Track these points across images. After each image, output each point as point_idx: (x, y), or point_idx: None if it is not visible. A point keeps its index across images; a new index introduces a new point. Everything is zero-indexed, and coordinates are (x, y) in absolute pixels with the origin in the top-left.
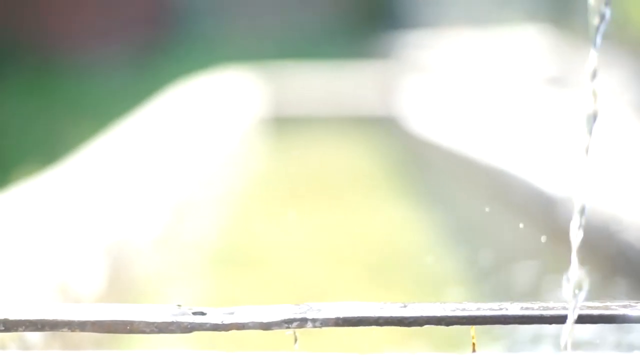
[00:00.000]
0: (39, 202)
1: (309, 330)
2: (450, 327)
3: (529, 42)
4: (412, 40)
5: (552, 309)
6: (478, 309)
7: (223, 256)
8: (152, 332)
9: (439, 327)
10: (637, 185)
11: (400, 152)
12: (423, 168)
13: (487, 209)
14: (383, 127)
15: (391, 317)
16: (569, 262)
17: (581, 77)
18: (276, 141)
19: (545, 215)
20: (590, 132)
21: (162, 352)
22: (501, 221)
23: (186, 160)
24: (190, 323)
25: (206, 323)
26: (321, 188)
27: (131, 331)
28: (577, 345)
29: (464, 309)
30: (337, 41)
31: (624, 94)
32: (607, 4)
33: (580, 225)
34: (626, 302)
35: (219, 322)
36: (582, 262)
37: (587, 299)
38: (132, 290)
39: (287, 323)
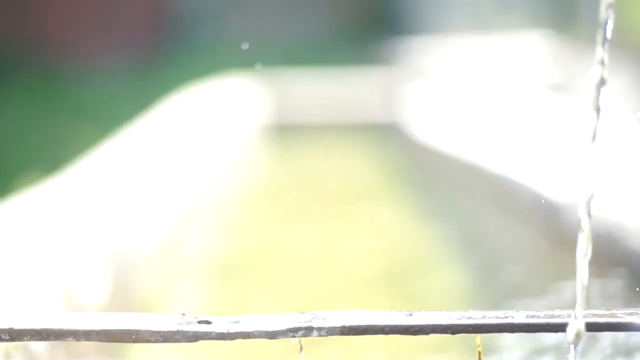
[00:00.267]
0: (42, 210)
1: (314, 339)
2: (456, 335)
3: (532, 48)
4: (416, 47)
5: (558, 317)
6: (484, 317)
7: (227, 264)
8: (157, 341)
9: (445, 335)
10: None
11: (403, 159)
12: (426, 175)
13: (493, 222)
14: (386, 134)
15: (397, 325)
16: (573, 269)
17: (584, 83)
18: (279, 148)
19: (549, 222)
20: (593, 138)
21: None
22: (505, 228)
23: (189, 168)
24: (195, 332)
25: (211, 332)
26: (325, 196)
27: (136, 340)
28: (584, 354)
29: (469, 318)
30: (340, 47)
31: (627, 100)
32: (609, 16)
33: (586, 233)
34: (632, 310)
35: (225, 331)
36: (587, 269)
37: (593, 306)
38: (137, 299)
39: (292, 332)
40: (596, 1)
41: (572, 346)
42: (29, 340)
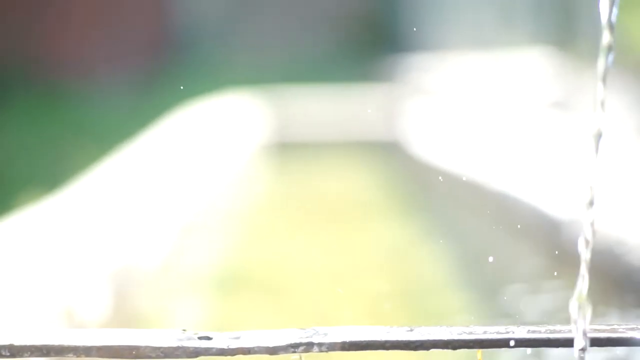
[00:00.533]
0: (44, 226)
1: (315, 355)
2: (457, 350)
3: (533, 65)
4: (416, 64)
5: (559, 332)
6: (485, 332)
7: (227, 280)
8: (157, 357)
9: (446, 350)
10: None
11: (404, 176)
12: (427, 192)
13: (494, 238)
14: (387, 151)
15: (398, 341)
16: (574, 284)
17: (585, 100)
18: (280, 165)
19: (550, 238)
20: (595, 155)
21: None
22: (507, 245)
23: (191, 185)
24: (196, 348)
25: (212, 348)
26: (325, 213)
27: (137, 356)
28: None
29: (470, 333)
30: (341, 65)
31: (629, 119)
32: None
33: (588, 248)
34: (633, 325)
35: (225, 347)
36: (588, 284)
37: (594, 321)
38: (137, 315)
39: (293, 347)
40: (597, 18)
41: None
42: (30, 356)
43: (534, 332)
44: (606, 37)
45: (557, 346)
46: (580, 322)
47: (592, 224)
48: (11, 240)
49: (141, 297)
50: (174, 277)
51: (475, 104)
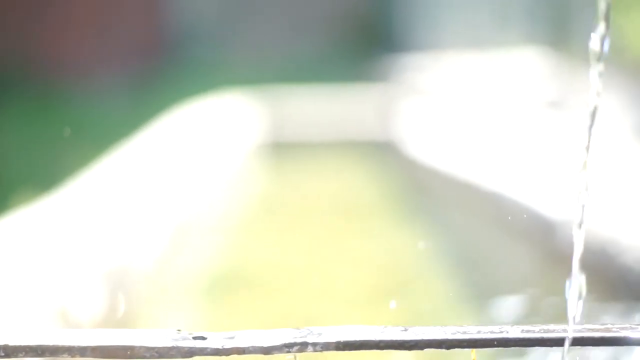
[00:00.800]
0: (39, 226)
1: (309, 354)
2: (451, 350)
3: (528, 64)
4: (411, 63)
5: (553, 331)
6: (479, 332)
7: (222, 280)
8: (152, 357)
9: (440, 350)
10: (635, 208)
11: (398, 177)
12: (422, 193)
13: (488, 239)
14: (381, 151)
15: (392, 340)
16: (567, 284)
17: (580, 99)
18: (274, 166)
19: (544, 239)
20: (587, 153)
21: None
22: (501, 245)
23: (185, 185)
24: (190, 348)
25: (207, 348)
26: (320, 213)
27: (131, 356)
28: None
29: (464, 332)
30: (335, 65)
31: (624, 118)
32: (605, 36)
33: (580, 248)
34: (626, 325)
35: (220, 347)
36: (581, 285)
37: (588, 321)
38: (132, 315)
39: (287, 347)
40: (592, 18)
41: None
42: (24, 356)
43: (527, 331)
44: (596, 44)
45: (551, 345)
46: (574, 322)
47: (584, 224)
48: (7, 240)
49: (136, 297)
50: (169, 277)
51: (470, 104)
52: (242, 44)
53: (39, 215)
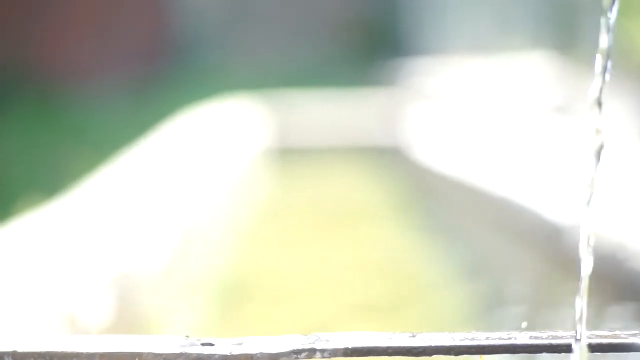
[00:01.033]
0: (45, 233)
1: None
2: (459, 356)
3: (534, 69)
4: (417, 68)
5: (561, 338)
6: (487, 338)
7: (229, 286)
8: None
9: (448, 356)
10: None
11: (405, 182)
12: (428, 198)
13: (496, 244)
14: (388, 157)
15: (400, 347)
16: (575, 290)
17: (587, 104)
18: (280, 171)
19: (552, 244)
20: (597, 161)
21: None
22: (508, 250)
23: (191, 191)
24: (198, 354)
25: (215, 354)
26: (326, 219)
27: None
28: None
29: (473, 339)
30: (341, 69)
31: (630, 122)
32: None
33: (588, 254)
34: (636, 331)
35: (228, 354)
36: (590, 290)
37: (597, 327)
38: (140, 321)
39: (295, 354)
40: (598, 22)
41: None
42: None
43: (536, 338)
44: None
45: (559, 352)
46: (582, 329)
47: (593, 229)
48: (12, 246)
49: (143, 303)
50: (176, 283)
51: (477, 109)
52: (248, 48)
53: (47, 221)
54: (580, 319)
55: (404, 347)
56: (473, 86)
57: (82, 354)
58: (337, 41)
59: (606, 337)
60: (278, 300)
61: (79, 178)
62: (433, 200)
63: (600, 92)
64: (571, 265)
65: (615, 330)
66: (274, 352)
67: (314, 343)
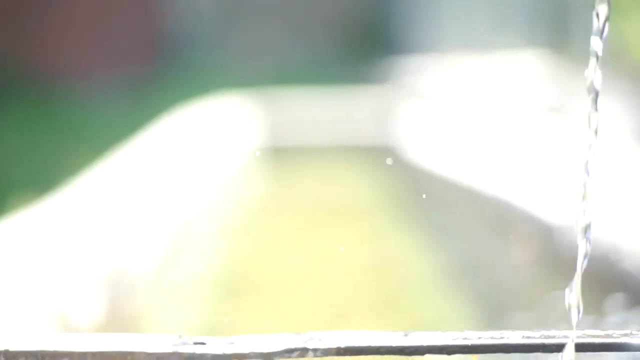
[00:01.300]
0: (37, 230)
1: None
2: (452, 356)
3: (528, 67)
4: (410, 66)
5: (554, 337)
6: (479, 337)
7: (221, 285)
8: None
9: (441, 356)
10: (636, 213)
11: (398, 181)
12: (421, 197)
13: (488, 244)
14: (380, 156)
15: (392, 346)
16: (568, 290)
17: (580, 103)
18: (272, 170)
19: (544, 243)
20: (588, 163)
21: None
22: (500, 250)
23: (184, 189)
24: (190, 354)
25: (207, 353)
26: (318, 219)
27: None
28: None
29: (465, 338)
30: (334, 67)
31: (623, 122)
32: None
33: (582, 253)
34: (627, 331)
35: (220, 353)
36: (582, 290)
37: (588, 327)
38: (132, 319)
39: (288, 353)
40: (591, 20)
41: None
42: None
43: (528, 337)
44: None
45: (552, 351)
46: (575, 328)
47: (586, 229)
48: (4, 244)
49: (135, 301)
50: (168, 281)
51: (469, 108)
52: (240, 46)
53: (38, 218)
54: (573, 318)
55: (396, 347)
56: (466, 84)
57: (74, 352)
58: (330, 39)
59: (598, 336)
60: (270, 298)
61: (73, 176)
62: (425, 199)
63: (595, 94)
64: (564, 264)
65: (607, 330)
66: (266, 351)
67: (306, 342)
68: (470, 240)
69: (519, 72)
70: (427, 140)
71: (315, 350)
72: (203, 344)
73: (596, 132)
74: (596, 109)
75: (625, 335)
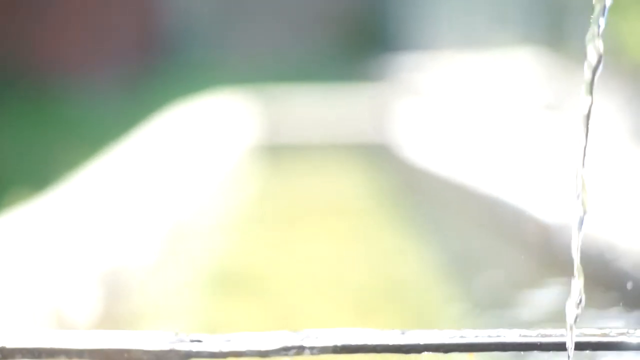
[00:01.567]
0: (33, 227)
1: (307, 357)
2: (449, 354)
3: (524, 65)
4: (407, 63)
5: (551, 336)
6: (476, 336)
7: (217, 282)
8: (149, 359)
9: (438, 354)
10: (632, 213)
11: (393, 180)
12: (417, 196)
13: (484, 242)
14: (376, 154)
15: (389, 344)
16: (564, 289)
17: (576, 101)
18: (268, 167)
19: (541, 243)
20: (583, 158)
21: None
22: (496, 249)
23: (180, 186)
24: (187, 351)
25: (203, 351)
26: (313, 216)
27: (129, 359)
28: None
29: (462, 336)
30: (330, 64)
31: (621, 121)
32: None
33: (579, 252)
34: (624, 330)
35: (216, 350)
36: (579, 289)
37: (585, 326)
38: (128, 317)
39: (284, 350)
40: (588, 18)
41: None
42: (21, 359)
43: (525, 336)
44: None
45: (549, 350)
46: (572, 327)
47: (583, 228)
48: (1, 241)
49: (131, 299)
50: (164, 279)
51: (466, 105)
52: (236, 43)
53: (34, 215)
54: (570, 317)
55: (393, 345)
56: (462, 82)
57: (71, 350)
58: (327, 36)
59: (596, 335)
60: (267, 296)
61: (69, 172)
62: (421, 198)
63: (591, 95)
64: (561, 264)
65: (604, 329)
66: (262, 348)
67: (302, 340)
68: (466, 237)
69: (515, 70)
70: (424, 137)
71: (312, 348)
72: (200, 341)
73: (590, 131)
74: (589, 109)
75: (623, 334)
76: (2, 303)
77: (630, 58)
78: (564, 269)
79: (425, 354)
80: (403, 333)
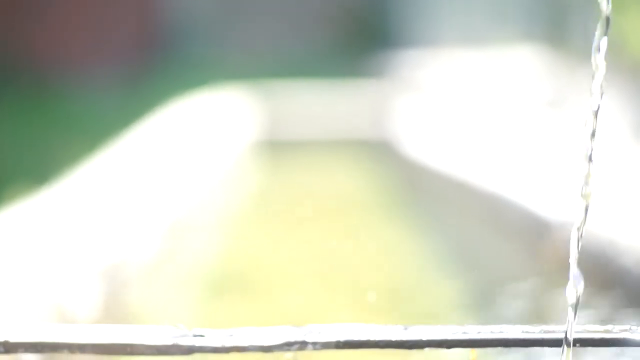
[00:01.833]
0: (34, 222)
1: (309, 353)
2: (451, 350)
3: (525, 62)
4: (407, 60)
5: (553, 332)
6: (479, 332)
7: (218, 278)
8: (152, 354)
9: (440, 350)
10: (634, 209)
11: (394, 176)
12: (417, 192)
13: (484, 239)
14: (377, 150)
15: (392, 340)
16: (566, 285)
17: (577, 98)
18: (268, 164)
19: (541, 239)
20: (588, 157)
21: None
22: (497, 246)
23: (180, 182)
24: (190, 346)
25: (206, 346)
26: (314, 212)
27: (131, 353)
28: None
29: (464, 332)
30: (330, 60)
31: (623, 119)
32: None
33: (578, 248)
34: (626, 326)
35: (219, 345)
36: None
37: (587, 322)
38: (129, 312)
39: (287, 345)
40: (590, 15)
41: None
42: (24, 352)
43: (527, 332)
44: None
45: (551, 346)
46: (573, 323)
47: (584, 225)
48: (1, 236)
49: (132, 294)
50: (166, 274)
51: (466, 102)
52: (237, 40)
53: (35, 210)
54: (572, 313)
55: (396, 340)
56: (463, 79)
57: (74, 344)
58: (327, 32)
59: (597, 331)
60: (268, 291)
61: (69, 168)
62: (422, 195)
63: (599, 94)
64: (561, 261)
65: (606, 325)
66: (265, 344)
67: (305, 335)
68: (466, 234)
69: (516, 67)
70: (425, 134)
71: (314, 343)
72: (202, 336)
73: (594, 129)
74: (597, 110)
75: (624, 330)
76: (4, 298)
77: (631, 55)
78: (564, 265)
79: (427, 349)
80: (406, 329)
